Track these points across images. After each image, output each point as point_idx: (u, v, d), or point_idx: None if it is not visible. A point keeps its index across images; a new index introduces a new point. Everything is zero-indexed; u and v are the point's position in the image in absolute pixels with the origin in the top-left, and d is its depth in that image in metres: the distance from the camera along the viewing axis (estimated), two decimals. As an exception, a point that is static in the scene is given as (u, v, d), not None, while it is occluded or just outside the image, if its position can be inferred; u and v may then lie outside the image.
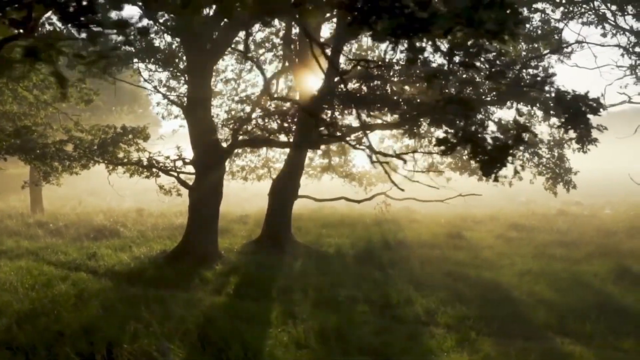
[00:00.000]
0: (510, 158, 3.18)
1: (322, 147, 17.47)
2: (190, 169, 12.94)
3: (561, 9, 14.02)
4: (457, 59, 4.33)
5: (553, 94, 6.70)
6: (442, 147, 3.16)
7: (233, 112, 12.90)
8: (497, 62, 7.09)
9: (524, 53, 15.70)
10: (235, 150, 18.38)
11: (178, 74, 13.33)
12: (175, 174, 12.75)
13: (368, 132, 12.08)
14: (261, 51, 18.34)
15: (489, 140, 3.07)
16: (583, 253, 13.44)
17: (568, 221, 18.91)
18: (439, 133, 18.41)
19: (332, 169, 20.35)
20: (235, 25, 10.55)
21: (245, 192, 30.14)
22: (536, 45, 15.38)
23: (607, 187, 37.24)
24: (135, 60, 14.20)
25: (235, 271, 11.37)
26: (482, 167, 3.08)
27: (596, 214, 21.05)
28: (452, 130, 3.19)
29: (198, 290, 9.98)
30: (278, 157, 19.81)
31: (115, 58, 13.50)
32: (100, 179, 16.47)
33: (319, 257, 13.20)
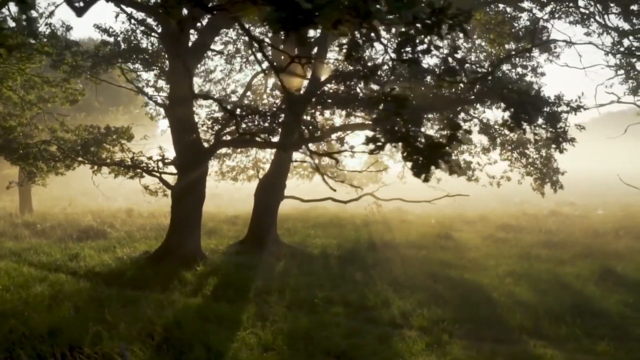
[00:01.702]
0: (446, 157, 3.07)
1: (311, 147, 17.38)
2: (174, 169, 12.85)
3: (549, 7, 13.90)
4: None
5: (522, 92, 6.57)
6: (371, 146, 3.07)
7: (220, 114, 12.78)
8: (450, 59, 6.98)
9: (513, 53, 15.62)
10: (226, 151, 18.37)
11: (161, 74, 13.26)
12: (158, 175, 12.66)
13: (349, 131, 12.01)
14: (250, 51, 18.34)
15: (422, 139, 2.98)
16: (569, 254, 13.32)
17: (558, 222, 18.80)
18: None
19: (322, 170, 20.25)
20: (212, 26, 10.47)
21: (239, 193, 30.09)
22: (522, 45, 15.30)
23: (604, 187, 37.05)
24: (121, 60, 14.18)
25: (216, 272, 11.27)
26: (413, 167, 2.98)
27: (588, 215, 20.93)
28: (384, 128, 3.11)
29: (175, 292, 9.88)
30: (268, 157, 19.77)
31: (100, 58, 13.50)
32: (92, 180, 16.44)
33: (302, 257, 13.11)
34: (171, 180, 13.14)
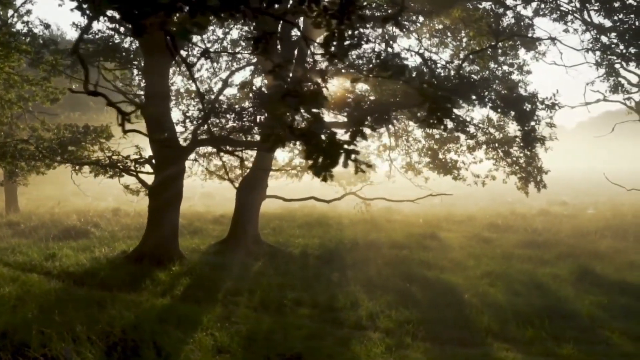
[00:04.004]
0: (353, 155, 2.94)
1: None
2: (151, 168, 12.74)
3: (533, 5, 13.73)
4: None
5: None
6: (269, 143, 2.94)
7: (198, 112, 12.65)
8: (383, 54, 6.82)
9: (499, 51, 15.47)
10: (212, 150, 18.23)
11: (138, 72, 13.18)
12: (134, 174, 12.57)
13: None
14: (238, 49, 18.23)
15: (323, 137, 2.85)
16: (552, 254, 13.16)
17: (545, 221, 18.60)
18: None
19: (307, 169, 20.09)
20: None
21: (231, 193, 29.96)
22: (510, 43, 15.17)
23: (599, 186, 36.75)
24: (100, 59, 14.10)
25: (191, 272, 11.16)
26: (312, 166, 2.85)
27: (577, 214, 20.71)
28: (283, 124, 2.98)
29: (145, 292, 9.77)
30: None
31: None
32: (84, 179, 16.41)
33: (282, 257, 12.99)
34: (151, 180, 13.05)
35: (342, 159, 2.90)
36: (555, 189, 32.69)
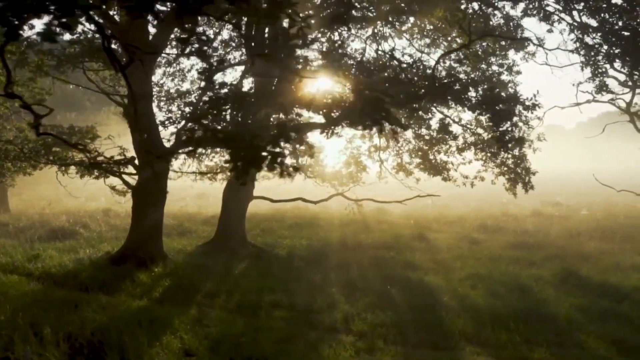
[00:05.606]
0: (279, 159, 2.87)
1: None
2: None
3: (521, 5, 13.63)
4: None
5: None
6: (190, 147, 2.88)
7: (179, 112, 12.61)
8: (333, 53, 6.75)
9: (490, 51, 15.40)
10: (202, 151, 18.15)
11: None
12: (118, 174, 12.51)
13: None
14: (228, 49, 18.16)
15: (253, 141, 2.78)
16: (540, 256, 13.04)
17: (537, 222, 18.48)
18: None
19: (301, 169, 20.00)
20: (167, 24, 10.31)
21: (226, 193, 29.93)
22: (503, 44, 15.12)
23: (596, 186, 36.56)
24: (86, 59, 14.06)
25: (173, 274, 11.10)
26: (233, 170, 2.78)
27: (570, 215, 20.57)
28: (206, 127, 2.91)
29: (123, 294, 9.71)
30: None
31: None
32: (77, 180, 16.41)
33: (266, 259, 12.94)
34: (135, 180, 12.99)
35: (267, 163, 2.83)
36: (551, 189, 32.59)
